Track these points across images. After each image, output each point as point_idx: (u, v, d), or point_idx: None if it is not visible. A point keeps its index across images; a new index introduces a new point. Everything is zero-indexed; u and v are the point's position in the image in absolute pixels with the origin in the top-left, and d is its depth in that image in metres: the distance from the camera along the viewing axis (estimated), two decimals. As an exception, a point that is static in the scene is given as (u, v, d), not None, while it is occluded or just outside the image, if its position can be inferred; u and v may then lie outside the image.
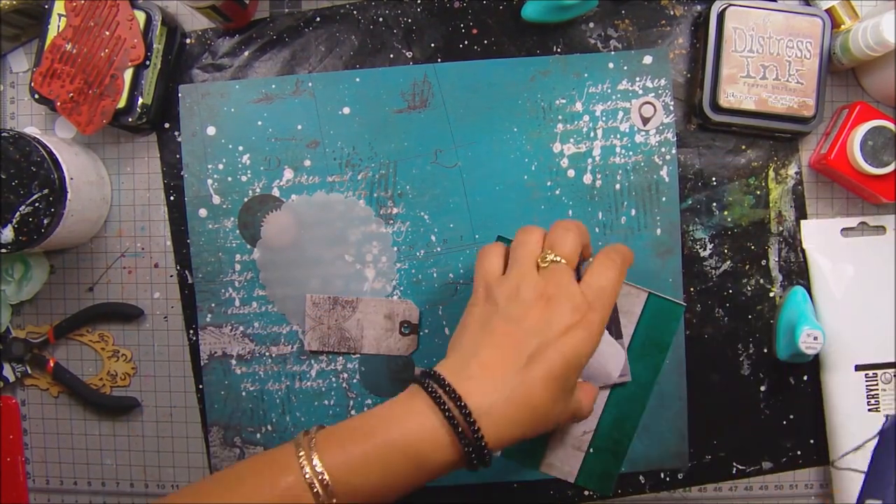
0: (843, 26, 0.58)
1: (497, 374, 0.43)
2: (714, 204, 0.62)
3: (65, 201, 0.56)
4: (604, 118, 0.62)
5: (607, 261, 0.47)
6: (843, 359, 0.59)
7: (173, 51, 0.62)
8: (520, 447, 0.60)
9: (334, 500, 0.39)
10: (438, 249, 0.62)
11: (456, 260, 0.62)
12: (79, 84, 0.58)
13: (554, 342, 0.43)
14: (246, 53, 0.63)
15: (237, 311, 0.63)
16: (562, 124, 0.62)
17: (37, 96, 0.59)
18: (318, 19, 0.63)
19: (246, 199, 0.62)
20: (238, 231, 0.63)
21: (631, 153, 0.61)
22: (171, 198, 0.63)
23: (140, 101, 0.60)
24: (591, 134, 0.62)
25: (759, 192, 0.62)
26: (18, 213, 0.55)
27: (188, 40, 0.63)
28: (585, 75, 0.62)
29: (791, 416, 0.61)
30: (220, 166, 0.62)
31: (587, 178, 0.62)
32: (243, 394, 0.63)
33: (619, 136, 0.61)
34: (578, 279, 0.47)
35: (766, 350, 0.62)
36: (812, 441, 0.61)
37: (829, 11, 0.58)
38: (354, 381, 0.62)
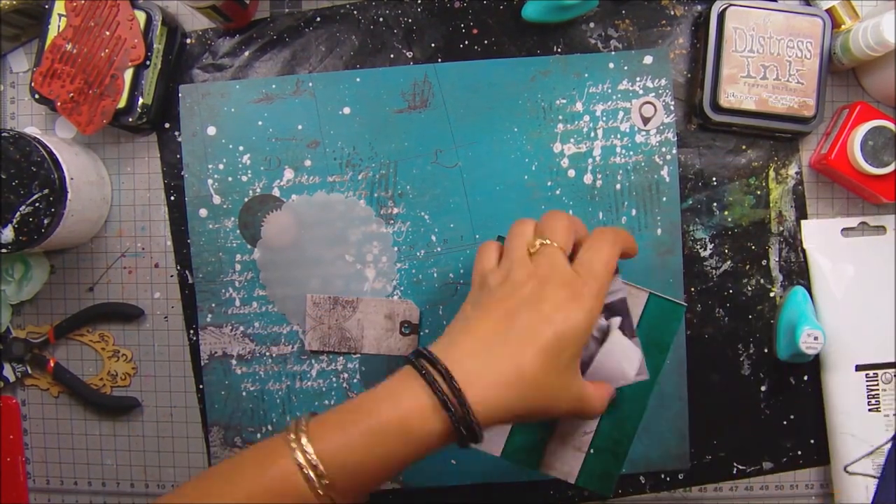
0: (843, 26, 0.58)
1: (486, 343, 0.42)
2: (714, 204, 0.62)
3: (65, 201, 0.56)
4: (604, 118, 0.62)
5: (600, 238, 0.47)
6: (843, 359, 0.59)
7: (173, 51, 0.62)
8: (520, 447, 0.60)
9: (326, 482, 0.39)
10: (439, 249, 0.62)
11: (456, 260, 0.62)
12: (79, 84, 0.58)
13: (545, 317, 0.42)
14: (246, 53, 0.63)
15: (237, 311, 0.63)
16: (562, 124, 0.62)
17: (37, 96, 0.59)
18: (318, 19, 0.63)
19: (246, 199, 0.62)
20: (238, 231, 0.63)
21: (631, 153, 0.61)
22: (172, 198, 0.63)
23: (140, 101, 0.60)
24: (592, 134, 0.62)
25: (759, 192, 0.62)
26: (18, 213, 0.55)
27: (188, 40, 0.63)
28: (586, 75, 0.62)
29: (791, 416, 0.61)
30: (221, 166, 0.62)
31: (587, 178, 0.62)
32: (244, 394, 0.63)
33: (619, 136, 0.61)
34: None
35: (766, 350, 0.62)
36: (812, 441, 0.61)
37: (829, 11, 0.58)
38: (355, 381, 0.62)
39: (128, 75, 0.59)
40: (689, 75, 0.62)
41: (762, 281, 0.62)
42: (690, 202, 0.62)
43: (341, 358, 0.62)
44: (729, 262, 0.62)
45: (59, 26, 0.59)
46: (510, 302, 0.44)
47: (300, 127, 0.62)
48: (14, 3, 0.58)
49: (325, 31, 0.63)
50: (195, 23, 0.63)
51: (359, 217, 0.62)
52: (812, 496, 0.62)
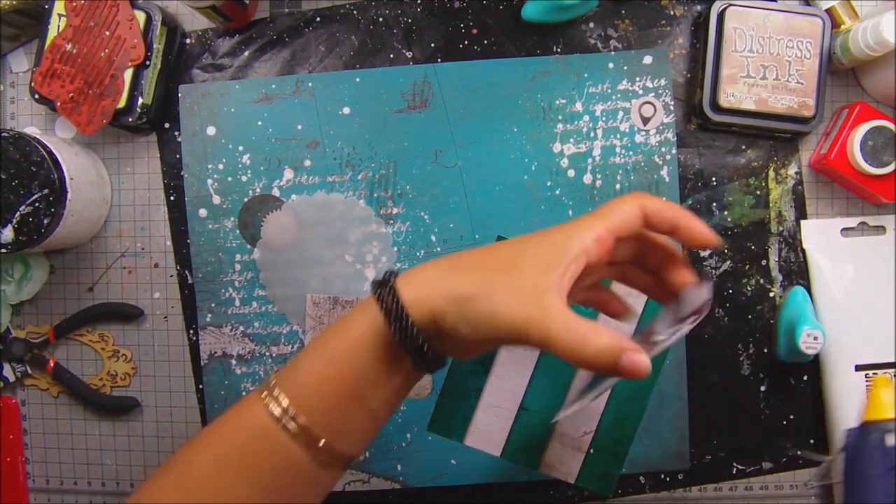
0: (843, 26, 0.58)
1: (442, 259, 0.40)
2: (714, 204, 0.62)
3: (65, 201, 0.56)
4: (604, 118, 0.62)
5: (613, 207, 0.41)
6: (843, 359, 0.59)
7: (173, 51, 0.62)
8: (520, 447, 0.60)
9: (303, 420, 0.38)
10: (438, 249, 0.62)
11: (456, 260, 0.62)
12: (79, 84, 0.58)
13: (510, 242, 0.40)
14: (246, 53, 0.63)
15: (237, 311, 0.63)
16: (562, 124, 0.62)
17: (37, 96, 0.59)
18: (318, 19, 0.63)
19: (246, 199, 0.62)
20: (238, 231, 0.63)
21: (631, 153, 0.61)
22: (171, 198, 0.63)
23: (140, 101, 0.60)
24: (592, 134, 0.62)
25: (759, 192, 0.62)
26: (18, 213, 0.55)
27: (188, 40, 0.63)
28: (585, 75, 0.62)
29: (791, 416, 0.61)
30: (220, 166, 0.63)
31: (587, 178, 0.62)
32: (243, 394, 0.63)
33: (619, 136, 0.61)
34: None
35: (766, 350, 0.62)
36: (812, 441, 0.61)
37: (829, 11, 0.58)
38: (354, 381, 0.62)
39: (127, 75, 0.59)
40: (688, 75, 0.62)
41: (762, 281, 0.62)
42: (690, 202, 0.62)
43: (341, 358, 0.62)
44: (729, 262, 0.62)
45: (58, 26, 0.59)
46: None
47: (300, 127, 0.62)
48: (14, 3, 0.58)
49: (325, 31, 0.63)
50: (195, 23, 0.63)
51: (358, 217, 0.62)
52: (812, 496, 0.62)
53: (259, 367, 0.63)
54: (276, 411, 0.39)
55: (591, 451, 0.59)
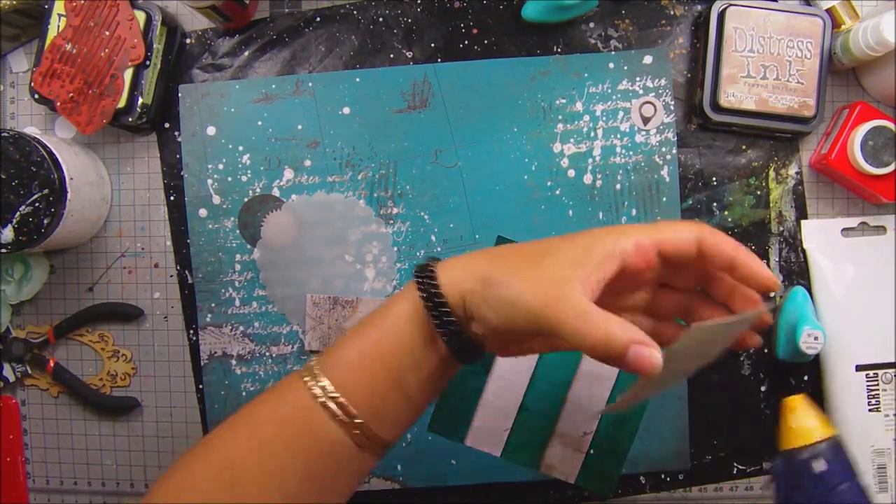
0: (843, 26, 0.58)
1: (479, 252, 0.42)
2: (714, 204, 0.62)
3: (65, 201, 0.56)
4: (604, 118, 0.62)
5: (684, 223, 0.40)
6: (843, 359, 0.59)
7: (173, 51, 0.62)
8: (520, 447, 0.60)
9: (342, 399, 0.39)
10: (438, 249, 0.62)
11: (456, 260, 0.62)
12: (79, 84, 0.58)
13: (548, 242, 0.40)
14: (246, 53, 0.63)
15: (237, 311, 0.63)
16: (562, 124, 0.62)
17: (37, 96, 0.59)
18: (318, 19, 0.63)
19: (246, 199, 0.62)
20: (238, 231, 0.63)
21: (631, 153, 0.61)
22: (171, 198, 0.63)
23: (140, 101, 0.60)
24: (592, 134, 0.62)
25: (759, 192, 0.62)
26: (18, 213, 0.55)
27: (188, 40, 0.63)
28: (585, 75, 0.61)
29: (791, 417, 0.61)
30: (220, 166, 0.62)
31: (587, 178, 0.62)
32: (243, 394, 0.63)
33: (619, 135, 0.61)
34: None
35: (766, 350, 0.62)
36: (812, 441, 0.61)
37: (829, 11, 0.58)
38: (354, 381, 0.62)
39: (127, 75, 0.59)
40: (689, 75, 0.62)
41: (762, 281, 0.61)
42: (690, 202, 0.62)
43: (341, 358, 0.62)
44: (729, 262, 0.61)
45: (58, 26, 0.59)
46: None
47: (300, 127, 0.62)
48: (14, 3, 0.58)
49: (325, 31, 0.63)
50: (195, 23, 0.63)
51: (358, 217, 0.62)
52: (812, 496, 0.62)
53: (259, 368, 0.63)
54: (317, 391, 0.39)
55: (592, 451, 0.59)
